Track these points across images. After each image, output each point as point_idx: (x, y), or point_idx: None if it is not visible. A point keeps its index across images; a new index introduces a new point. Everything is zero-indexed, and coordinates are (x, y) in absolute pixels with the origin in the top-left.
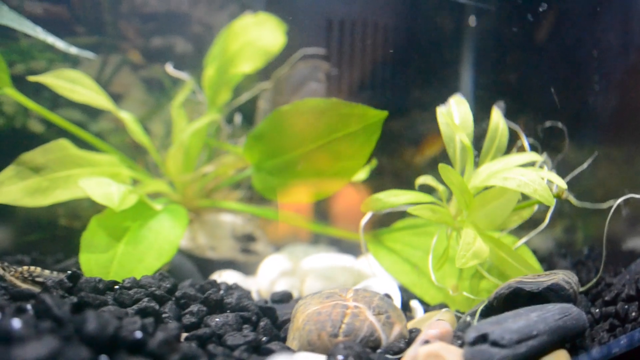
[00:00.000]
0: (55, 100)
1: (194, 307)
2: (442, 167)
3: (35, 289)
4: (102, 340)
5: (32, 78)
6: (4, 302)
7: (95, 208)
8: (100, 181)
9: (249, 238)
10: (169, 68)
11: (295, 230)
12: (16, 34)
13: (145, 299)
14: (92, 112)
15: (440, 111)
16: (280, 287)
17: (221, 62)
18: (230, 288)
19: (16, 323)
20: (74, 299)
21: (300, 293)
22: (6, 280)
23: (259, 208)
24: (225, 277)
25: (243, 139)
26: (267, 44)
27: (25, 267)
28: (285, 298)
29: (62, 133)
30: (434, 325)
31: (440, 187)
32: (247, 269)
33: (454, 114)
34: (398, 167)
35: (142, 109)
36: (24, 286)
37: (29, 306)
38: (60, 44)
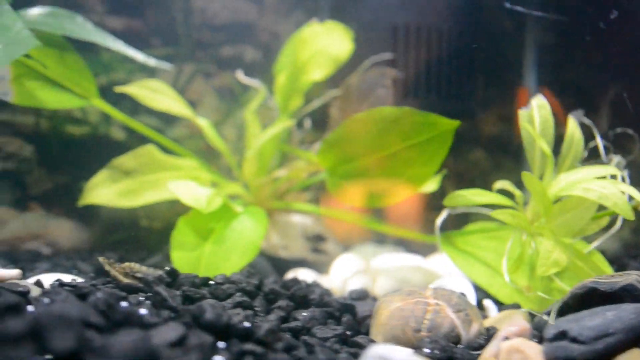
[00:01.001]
0: (134, 109)
1: (282, 302)
2: (525, 175)
3: (136, 284)
4: (219, 328)
5: (118, 89)
6: (120, 293)
7: (173, 210)
8: (187, 184)
9: (319, 238)
10: (241, 75)
11: (360, 230)
12: (98, 47)
13: (238, 294)
14: (168, 119)
15: (522, 114)
16: (353, 285)
17: (292, 70)
18: (311, 285)
19: (143, 310)
20: (177, 292)
21: (372, 291)
22: (111, 275)
23: (332, 210)
24: (300, 275)
25: (313, 145)
26: (336, 52)
27: (127, 264)
28: (362, 296)
29: (142, 140)
30: (513, 322)
31: (517, 193)
32: (318, 268)
33: (535, 118)
34: (462, 169)
35: (215, 115)
36: (126, 281)
37: (141, 298)
38: (139, 55)
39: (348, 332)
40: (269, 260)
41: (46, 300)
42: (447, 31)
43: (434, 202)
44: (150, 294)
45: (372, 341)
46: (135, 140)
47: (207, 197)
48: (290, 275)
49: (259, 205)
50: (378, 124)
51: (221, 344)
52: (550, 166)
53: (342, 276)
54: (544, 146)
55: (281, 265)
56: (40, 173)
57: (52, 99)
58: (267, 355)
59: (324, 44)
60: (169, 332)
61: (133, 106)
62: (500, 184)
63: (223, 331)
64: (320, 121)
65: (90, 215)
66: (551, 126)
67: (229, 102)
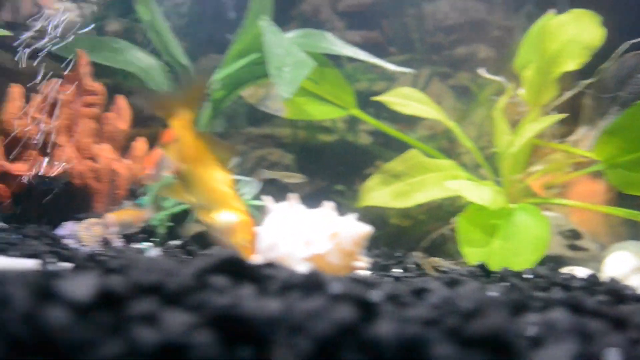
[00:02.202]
0: (377, 115)
1: (600, 298)
2: None
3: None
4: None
5: (375, 98)
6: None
7: (419, 209)
8: (466, 183)
9: (575, 234)
10: (484, 73)
11: (610, 227)
12: (342, 60)
13: (557, 288)
14: (410, 122)
15: None
16: (632, 282)
17: (540, 63)
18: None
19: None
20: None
21: None
22: (423, 270)
23: (603, 205)
24: (576, 272)
25: (565, 138)
26: (588, 39)
27: (435, 259)
28: None
29: (386, 144)
30: None
31: None
32: (577, 265)
33: None
34: None
35: (453, 115)
36: (434, 274)
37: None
38: (389, 65)
39: None
40: None
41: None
42: None
43: None
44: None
45: None
46: (379, 145)
47: (490, 195)
48: (564, 271)
49: (512, 201)
50: None
51: None
52: None
53: (619, 273)
54: None
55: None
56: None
57: (317, 112)
58: None
59: (574, 33)
60: None
61: (376, 112)
62: None
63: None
64: (569, 113)
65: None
66: None
67: (465, 101)
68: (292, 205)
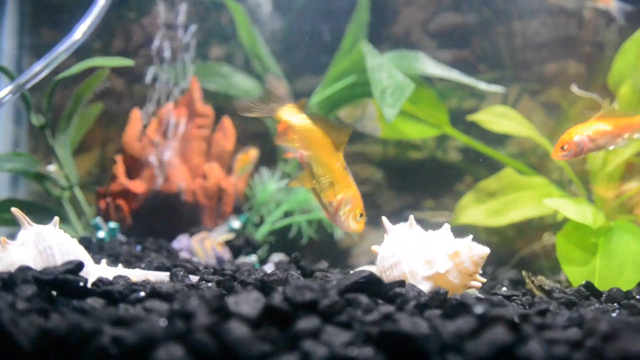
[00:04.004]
0: (467, 132)
1: None
2: None
3: (543, 296)
4: None
5: (470, 117)
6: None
7: (510, 225)
8: (563, 202)
9: None
10: (575, 89)
11: None
12: (431, 79)
13: None
14: (498, 140)
15: None
16: None
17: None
18: None
19: None
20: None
21: None
22: (528, 288)
23: None
24: None
25: None
26: None
27: (541, 277)
28: None
29: (475, 161)
30: None
31: None
32: None
33: None
34: None
35: (543, 131)
36: (538, 294)
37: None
38: (480, 84)
39: None
40: None
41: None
42: None
43: None
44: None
45: None
46: (468, 162)
47: (592, 213)
48: None
49: (608, 219)
50: None
51: None
52: None
53: None
54: None
55: None
56: (389, 194)
57: (413, 131)
58: None
59: None
60: None
61: (465, 129)
62: None
63: None
64: None
65: None
66: None
67: (555, 117)
68: (411, 226)
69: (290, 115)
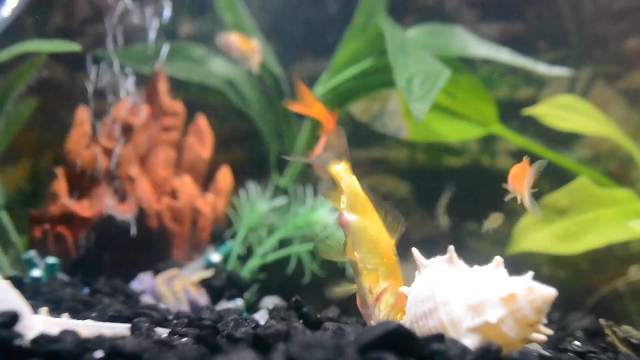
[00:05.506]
0: (522, 130)
1: None
2: None
3: (630, 353)
4: None
5: (527, 111)
6: None
7: (582, 255)
8: None
9: None
10: None
11: None
12: (474, 60)
13: None
14: (564, 140)
15: None
16: None
17: None
18: None
19: None
20: None
21: None
22: (609, 341)
23: None
24: None
25: None
26: None
27: (626, 327)
28: None
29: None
30: None
31: None
32: None
33: None
34: None
35: (625, 126)
36: (623, 349)
37: None
38: (539, 66)
39: None
40: None
41: None
42: None
43: None
44: None
45: None
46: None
47: None
48: None
49: None
50: None
51: None
52: None
53: None
54: None
55: None
56: (418, 215)
57: (450, 131)
58: None
59: None
60: None
61: (520, 126)
62: None
63: None
64: None
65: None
66: None
67: None
68: (450, 260)
69: (343, 172)
